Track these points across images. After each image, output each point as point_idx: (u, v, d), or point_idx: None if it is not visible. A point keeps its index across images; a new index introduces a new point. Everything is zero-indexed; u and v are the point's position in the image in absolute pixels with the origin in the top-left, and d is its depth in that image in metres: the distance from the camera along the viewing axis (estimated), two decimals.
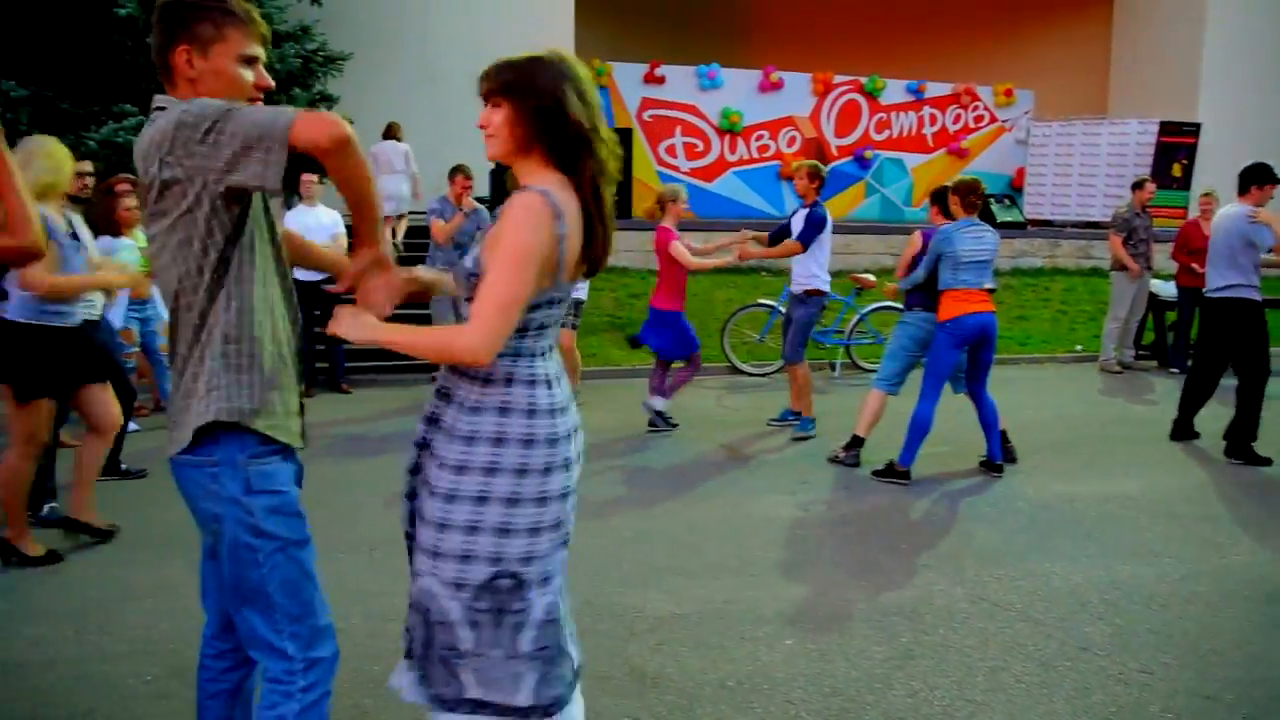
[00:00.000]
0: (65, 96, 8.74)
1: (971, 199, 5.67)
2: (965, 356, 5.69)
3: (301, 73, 10.04)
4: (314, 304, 8.01)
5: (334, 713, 2.89)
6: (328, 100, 10.89)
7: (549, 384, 2.10)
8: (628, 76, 15.41)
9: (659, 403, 6.69)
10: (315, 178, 7.95)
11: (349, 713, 2.95)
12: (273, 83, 2.13)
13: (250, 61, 2.04)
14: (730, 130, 15.89)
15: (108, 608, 3.76)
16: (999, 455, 5.84)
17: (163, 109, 1.96)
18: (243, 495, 1.99)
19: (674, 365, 6.78)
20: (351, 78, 10.94)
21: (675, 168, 15.74)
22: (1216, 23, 15.87)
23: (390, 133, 10.55)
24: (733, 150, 16.02)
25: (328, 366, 8.36)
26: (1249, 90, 15.69)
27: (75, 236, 4.29)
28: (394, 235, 10.47)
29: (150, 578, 4.04)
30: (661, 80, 15.52)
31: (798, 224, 6.54)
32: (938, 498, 5.37)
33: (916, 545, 4.60)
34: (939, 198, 6.00)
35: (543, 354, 2.11)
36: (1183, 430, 6.74)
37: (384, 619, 3.47)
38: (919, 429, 5.57)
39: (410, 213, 10.83)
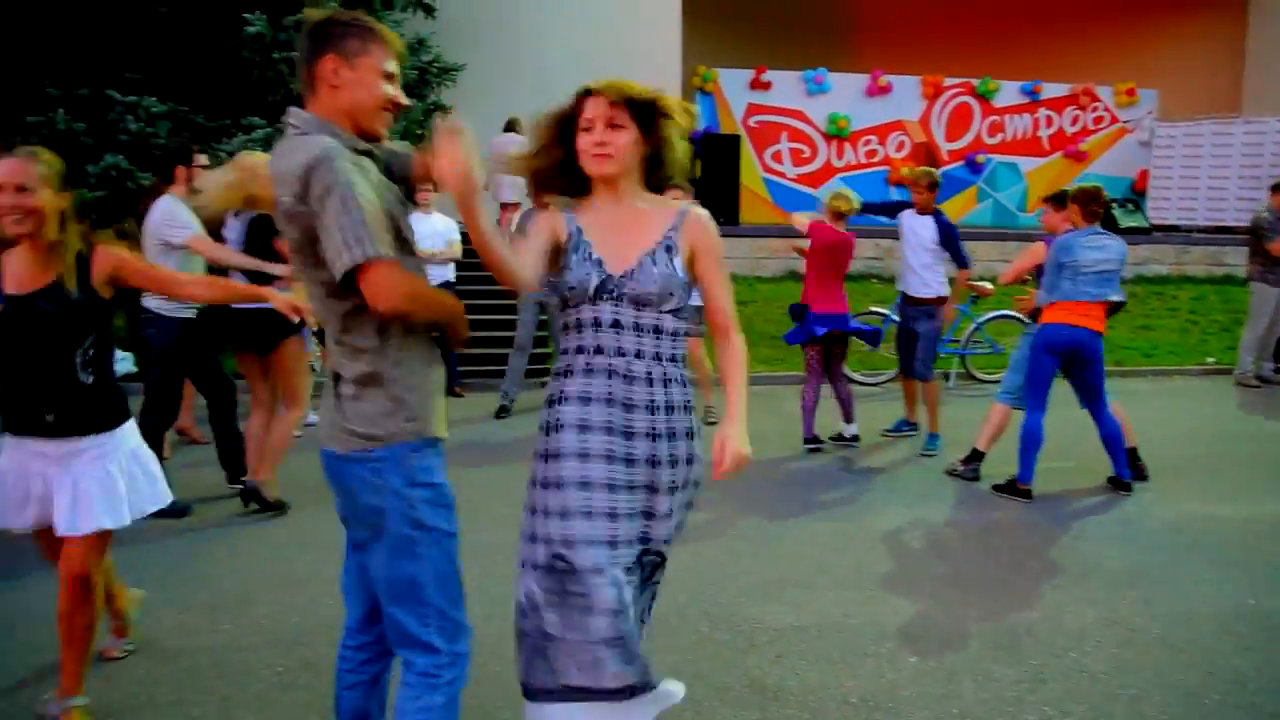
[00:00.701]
0: (199, 110, 9.18)
1: (1093, 207, 5.42)
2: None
3: (417, 83, 10.30)
4: None
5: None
6: (441, 109, 11.15)
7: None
8: (734, 82, 15.34)
9: (850, 429, 6.59)
10: (430, 186, 8.13)
11: (473, 714, 2.99)
12: (408, 101, 2.23)
13: (389, 77, 2.17)
14: (837, 135, 15.66)
15: (240, 600, 3.90)
16: (1127, 473, 5.57)
17: (298, 129, 2.10)
18: (405, 488, 2.11)
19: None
20: (463, 87, 11.18)
21: (781, 174, 15.60)
22: None
23: (510, 126, 11.19)
24: (840, 156, 15.77)
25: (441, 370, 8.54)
26: None
27: None
28: (512, 224, 10.65)
29: (280, 573, 4.19)
30: (768, 86, 15.40)
31: (921, 230, 6.32)
32: (1064, 515, 5.15)
33: (1043, 563, 4.42)
34: (1059, 201, 5.77)
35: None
36: None
37: (505, 619, 3.50)
38: (1030, 442, 5.35)
39: None
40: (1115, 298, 5.35)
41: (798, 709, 3.05)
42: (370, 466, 2.10)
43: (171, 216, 4.98)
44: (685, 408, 2.34)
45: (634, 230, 2.33)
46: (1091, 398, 5.47)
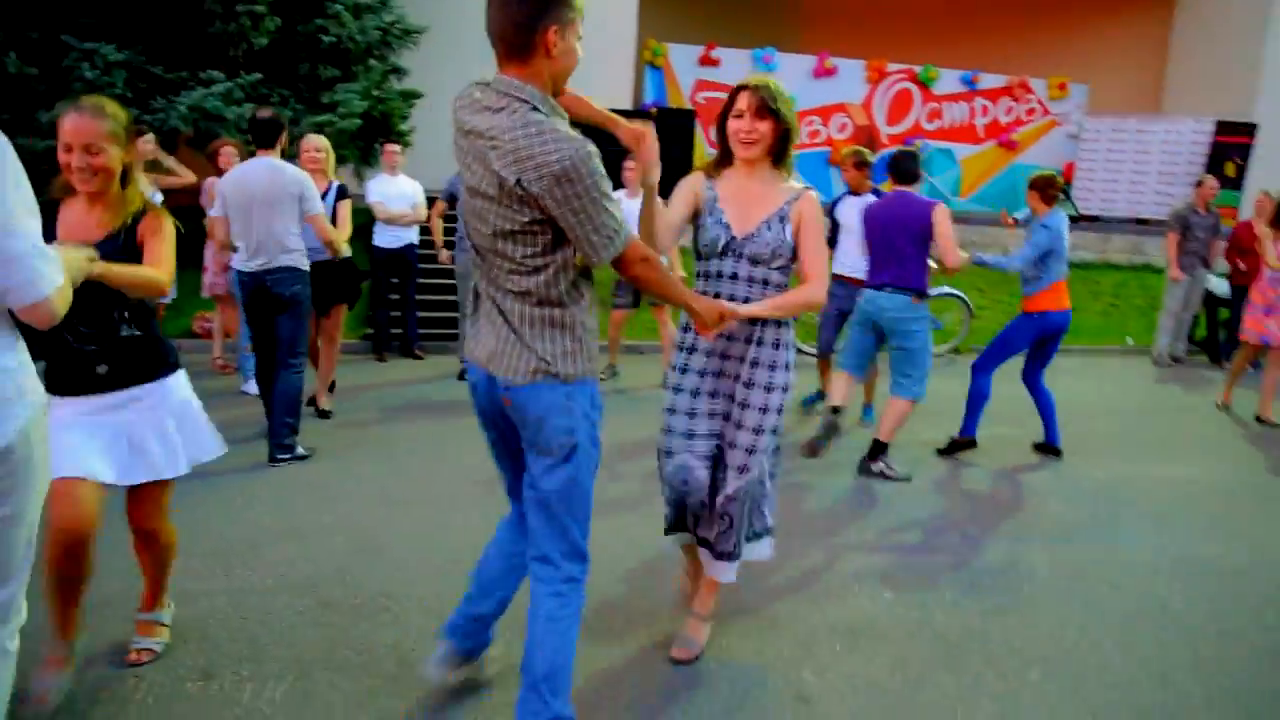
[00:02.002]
0: (157, 61, 9.01)
1: (1050, 192, 5.82)
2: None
3: (379, 45, 10.26)
4: (391, 272, 8.30)
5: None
6: (399, 73, 11.11)
7: None
8: (683, 58, 15.54)
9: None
10: (398, 148, 8.21)
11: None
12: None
13: (580, 39, 2.34)
14: None
15: (247, 549, 4.00)
16: (1057, 440, 6.04)
17: (531, 105, 2.23)
18: (590, 409, 2.43)
19: None
20: (422, 51, 11.15)
21: None
22: (1278, 24, 15.79)
23: None
24: None
25: (401, 333, 8.65)
26: None
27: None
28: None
29: (282, 524, 4.31)
30: (716, 63, 15.64)
31: (852, 213, 6.24)
32: (1013, 475, 5.60)
33: (997, 517, 4.85)
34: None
35: None
36: None
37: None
38: (981, 400, 5.82)
39: None
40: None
41: (792, 634, 3.38)
42: (565, 391, 2.36)
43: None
44: (775, 344, 3.00)
45: (759, 201, 2.98)
46: (1043, 368, 5.93)
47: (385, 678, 3.00)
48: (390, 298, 8.47)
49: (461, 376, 7.68)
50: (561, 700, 2.45)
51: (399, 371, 7.95)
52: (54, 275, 1.93)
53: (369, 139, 10.18)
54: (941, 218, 5.16)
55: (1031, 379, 6.00)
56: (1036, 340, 5.84)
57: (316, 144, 6.09)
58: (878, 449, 5.44)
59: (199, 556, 3.89)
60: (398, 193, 8.03)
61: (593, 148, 2.18)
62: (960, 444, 5.84)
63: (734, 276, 2.98)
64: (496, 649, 3.00)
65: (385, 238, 8.11)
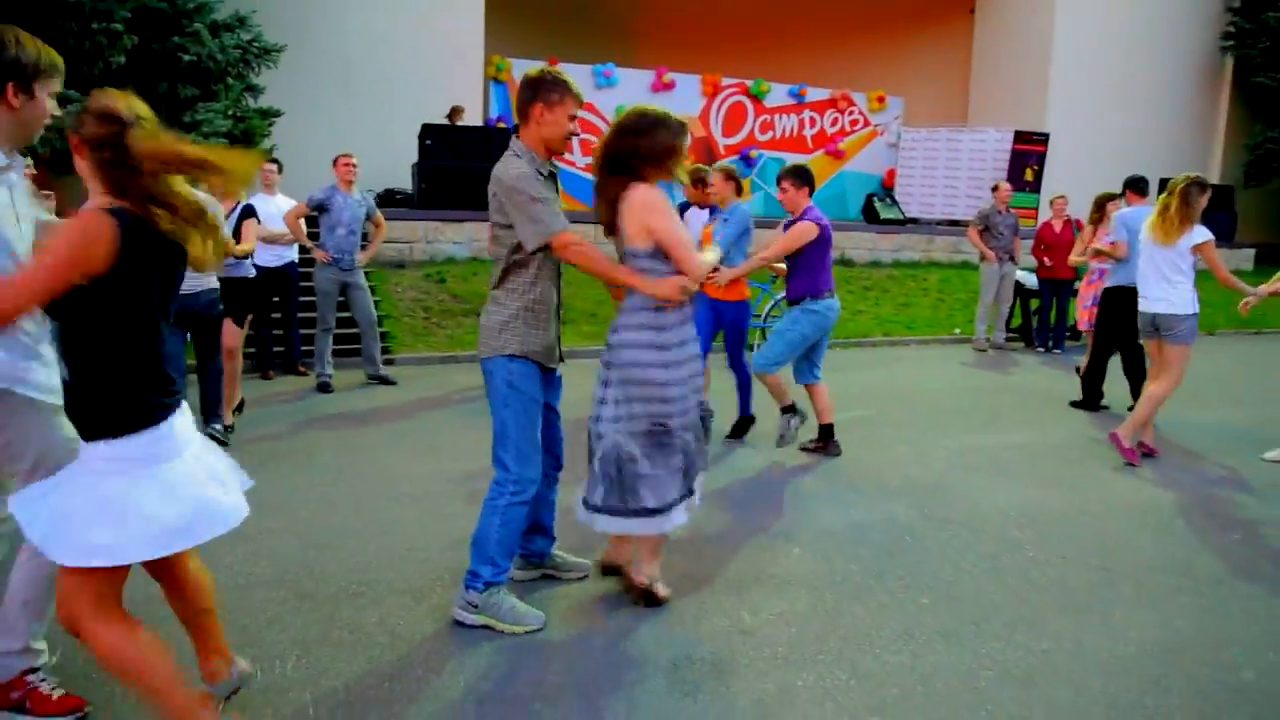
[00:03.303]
0: None
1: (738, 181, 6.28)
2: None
3: (238, 63, 10.22)
4: (272, 290, 8.39)
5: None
6: (254, 90, 11.07)
7: None
8: None
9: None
10: (275, 168, 8.33)
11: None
12: (579, 130, 3.28)
13: (573, 118, 3.41)
14: None
15: (203, 554, 4.13)
16: (748, 412, 6.66)
17: (517, 156, 3.35)
18: (508, 362, 3.46)
19: None
20: (279, 69, 11.16)
21: (572, 163, 16.46)
22: (1062, 42, 17.84)
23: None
24: None
25: (283, 350, 8.75)
26: (1090, 104, 17.74)
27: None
28: None
29: (235, 530, 4.50)
30: None
31: (696, 222, 6.64)
32: (871, 450, 6.40)
33: (867, 482, 5.60)
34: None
35: None
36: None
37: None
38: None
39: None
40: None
41: (724, 586, 3.96)
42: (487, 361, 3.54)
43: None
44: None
45: None
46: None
47: (385, 648, 3.36)
48: (272, 315, 8.56)
49: (322, 389, 7.94)
50: (477, 562, 3.51)
51: (287, 386, 8.09)
52: None
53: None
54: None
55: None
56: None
57: None
58: (829, 432, 6.22)
59: None
60: (277, 211, 8.16)
61: (530, 174, 3.28)
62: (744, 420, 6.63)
63: None
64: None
65: (266, 256, 8.21)
